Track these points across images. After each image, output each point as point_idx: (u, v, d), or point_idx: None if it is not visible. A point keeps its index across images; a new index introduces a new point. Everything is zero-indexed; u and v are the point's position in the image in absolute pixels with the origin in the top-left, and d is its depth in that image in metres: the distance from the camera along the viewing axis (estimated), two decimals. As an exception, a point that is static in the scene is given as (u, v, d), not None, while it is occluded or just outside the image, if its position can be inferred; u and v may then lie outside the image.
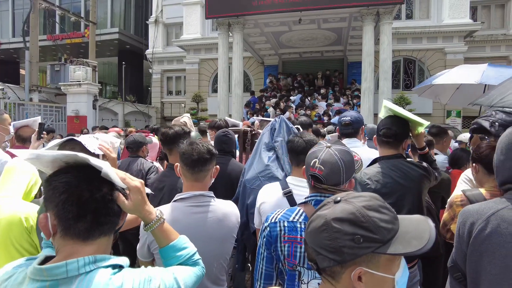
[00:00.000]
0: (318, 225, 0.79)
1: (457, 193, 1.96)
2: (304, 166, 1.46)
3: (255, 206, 2.04)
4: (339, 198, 0.82)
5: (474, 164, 1.99)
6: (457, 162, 3.18)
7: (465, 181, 2.34)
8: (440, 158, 3.55)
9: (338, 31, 13.23)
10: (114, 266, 0.90)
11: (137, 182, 1.04)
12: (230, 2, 11.30)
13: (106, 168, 0.91)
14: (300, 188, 1.86)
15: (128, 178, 1.03)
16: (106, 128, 7.87)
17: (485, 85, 4.37)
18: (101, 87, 16.32)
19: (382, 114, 2.26)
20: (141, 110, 19.36)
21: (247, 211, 2.31)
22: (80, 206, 0.86)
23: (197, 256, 1.18)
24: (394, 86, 14.35)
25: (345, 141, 2.84)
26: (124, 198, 0.98)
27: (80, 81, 13.69)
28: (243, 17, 11.58)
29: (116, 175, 0.96)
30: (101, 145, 1.66)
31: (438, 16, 15.30)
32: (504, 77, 3.83)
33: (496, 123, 2.23)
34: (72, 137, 1.60)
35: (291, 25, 12.44)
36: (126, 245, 3.27)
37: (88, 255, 0.86)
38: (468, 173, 2.36)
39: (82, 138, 1.61)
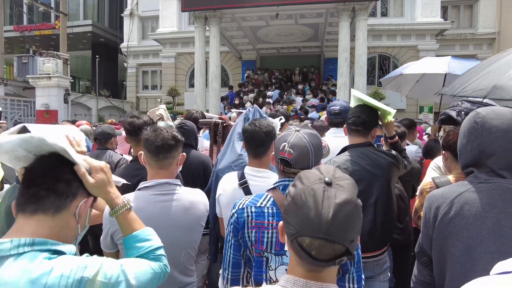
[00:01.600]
0: (350, 209, 0.74)
1: (426, 181, 2.01)
2: (264, 156, 1.43)
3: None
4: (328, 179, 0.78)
5: (443, 152, 2.03)
6: (430, 152, 3.29)
7: (434, 169, 2.40)
8: (413, 148, 3.66)
9: (315, 27, 13.33)
10: (54, 252, 0.86)
11: (101, 162, 1.03)
12: (206, -5, 11.14)
13: (65, 145, 0.91)
14: (257, 178, 1.85)
15: (90, 158, 1.02)
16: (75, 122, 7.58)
17: (444, 77, 4.54)
18: (73, 80, 15.76)
19: (352, 104, 2.27)
20: (115, 105, 18.86)
21: (220, 200, 2.28)
22: (31, 179, 0.88)
23: (160, 252, 1.12)
24: (370, 82, 14.65)
25: (332, 130, 2.83)
26: (85, 171, 0.96)
27: (50, 73, 13.15)
28: (220, 11, 11.46)
29: (76, 153, 0.95)
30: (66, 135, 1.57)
31: (411, 14, 15.73)
32: (466, 68, 4.03)
33: (463, 112, 2.29)
34: (24, 124, 1.50)
35: (268, 20, 12.42)
36: (96, 241, 3.15)
37: (28, 235, 0.83)
38: (437, 161, 2.42)
39: (39, 127, 1.51)
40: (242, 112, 5.68)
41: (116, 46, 22.08)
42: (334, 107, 2.82)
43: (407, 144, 3.69)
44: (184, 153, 1.75)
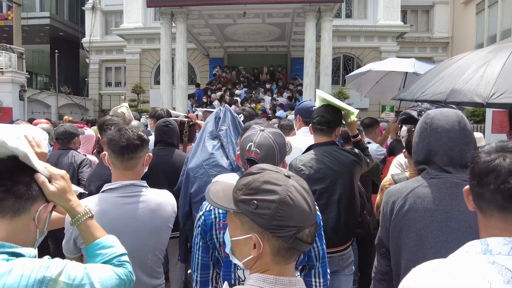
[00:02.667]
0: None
1: (387, 177, 2.12)
2: (239, 152, 1.45)
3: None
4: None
5: (404, 150, 2.17)
6: (393, 151, 3.46)
7: (396, 166, 2.54)
8: (373, 147, 3.73)
9: (282, 26, 13.51)
10: (12, 254, 0.83)
11: (61, 171, 1.02)
12: (173, -9, 10.94)
13: (27, 150, 0.90)
14: None
15: (51, 166, 1.01)
16: (33, 120, 7.19)
17: (404, 78, 4.78)
18: (29, 76, 14.86)
19: (316, 104, 2.34)
20: (77, 102, 18.03)
21: (190, 200, 2.26)
22: None
23: (125, 258, 1.10)
24: (334, 81, 15.05)
25: (304, 128, 2.82)
26: (45, 179, 0.95)
27: (3, 68, 12.32)
28: (186, 7, 11.30)
29: (37, 159, 0.94)
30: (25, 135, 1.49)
31: (374, 16, 16.35)
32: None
33: (423, 112, 2.42)
34: None
35: (236, 18, 12.41)
36: (58, 245, 3.02)
37: None
38: (399, 158, 2.56)
39: None
40: (208, 111, 5.65)
41: (78, 40, 21.06)
42: (311, 107, 2.82)
43: (368, 142, 3.77)
44: (151, 154, 1.72)
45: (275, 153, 1.37)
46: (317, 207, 0.86)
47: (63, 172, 1.03)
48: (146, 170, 1.71)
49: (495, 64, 1.91)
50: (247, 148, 1.37)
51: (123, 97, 17.53)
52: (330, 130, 2.15)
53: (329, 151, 2.09)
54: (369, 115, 16.33)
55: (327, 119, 2.13)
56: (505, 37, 13.59)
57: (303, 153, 2.21)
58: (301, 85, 13.10)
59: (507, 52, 1.99)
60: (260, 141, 1.36)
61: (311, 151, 2.15)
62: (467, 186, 0.89)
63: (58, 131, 3.36)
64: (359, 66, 16.70)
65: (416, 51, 17.49)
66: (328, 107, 2.20)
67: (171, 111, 5.10)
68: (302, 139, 2.69)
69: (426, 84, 2.26)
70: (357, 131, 2.34)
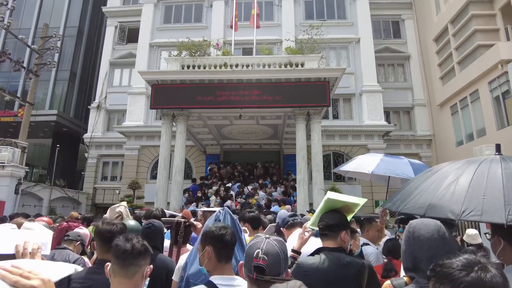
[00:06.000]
0: None
1: (386, 283, 2.19)
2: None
3: None
4: None
5: None
6: (391, 251, 3.34)
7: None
8: (368, 250, 3.52)
9: (275, 127, 14.49)
10: None
11: (36, 281, 0.87)
12: (175, 96, 11.96)
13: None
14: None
15: (23, 279, 0.87)
16: (28, 216, 7.13)
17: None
18: (28, 169, 15.10)
19: (318, 209, 2.43)
20: (70, 196, 17.93)
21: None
22: None
23: None
24: (326, 177, 15.44)
25: (293, 233, 2.92)
26: None
27: (4, 163, 12.60)
28: (187, 110, 12.19)
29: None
30: (24, 248, 1.46)
31: (359, 117, 17.67)
32: (394, 169, 4.53)
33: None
34: None
35: (232, 120, 13.37)
36: None
37: None
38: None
39: None
40: (207, 211, 5.72)
41: (79, 136, 21.96)
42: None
43: (366, 244, 3.61)
44: (152, 265, 1.72)
45: (281, 261, 1.43)
46: None
47: (36, 283, 0.88)
48: (145, 283, 1.70)
49: (463, 182, 2.14)
50: (254, 255, 1.41)
51: (117, 191, 17.56)
52: (333, 234, 2.18)
53: (337, 257, 2.11)
54: (361, 211, 16.28)
55: (326, 223, 2.20)
56: (481, 135, 14.58)
57: (309, 255, 2.23)
58: (294, 180, 13.45)
59: (474, 167, 2.24)
60: (267, 248, 1.42)
61: (318, 256, 2.16)
62: None
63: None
64: (349, 162, 17.40)
65: (402, 148, 18.44)
66: (330, 212, 2.28)
67: (166, 211, 5.16)
68: (310, 241, 2.64)
69: (408, 197, 2.46)
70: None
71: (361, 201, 2.36)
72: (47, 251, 1.65)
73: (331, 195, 2.33)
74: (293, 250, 2.39)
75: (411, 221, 1.71)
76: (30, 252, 1.46)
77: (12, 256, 1.42)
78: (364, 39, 18.32)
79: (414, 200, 2.34)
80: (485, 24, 14.85)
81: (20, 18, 24.81)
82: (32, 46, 16.96)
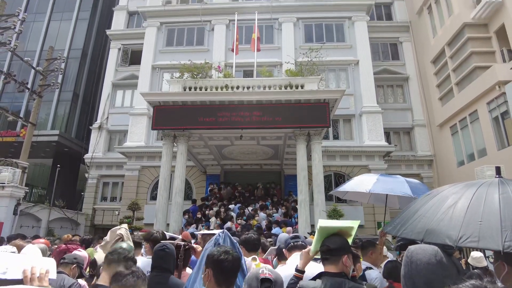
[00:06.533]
0: None
1: None
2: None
3: None
4: None
5: None
6: (392, 273, 3.18)
7: None
8: (373, 275, 3.44)
9: (275, 147, 14.53)
10: None
11: None
12: (177, 117, 12.08)
13: None
14: None
15: None
16: (25, 237, 7.07)
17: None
18: (28, 190, 15.06)
19: (316, 238, 2.43)
20: (69, 216, 17.79)
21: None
22: None
23: None
24: (328, 198, 15.31)
25: (294, 255, 2.92)
26: None
27: (4, 183, 12.58)
28: (188, 131, 12.28)
29: None
30: (32, 273, 1.49)
31: (360, 138, 17.71)
32: (391, 188, 4.54)
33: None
34: None
35: (233, 140, 13.44)
36: None
37: None
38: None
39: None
40: (207, 234, 5.67)
41: (80, 156, 22.01)
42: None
43: (369, 268, 3.54)
44: None
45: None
46: None
47: None
48: None
49: (461, 206, 2.14)
50: (260, 271, 1.54)
51: (117, 212, 17.43)
52: (334, 258, 2.16)
53: (339, 283, 2.07)
54: (364, 233, 16.07)
55: (327, 248, 2.19)
56: (482, 155, 14.57)
57: (311, 279, 2.20)
58: (296, 201, 13.36)
59: (472, 190, 2.24)
60: (270, 268, 1.52)
61: (319, 280, 2.13)
62: None
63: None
64: (350, 183, 17.31)
65: (404, 168, 18.39)
66: (333, 236, 2.26)
67: (166, 233, 5.13)
68: (311, 265, 2.62)
69: (407, 221, 2.44)
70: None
71: (354, 223, 2.33)
72: (54, 275, 1.66)
73: (323, 223, 2.31)
74: (296, 270, 2.38)
75: (409, 246, 1.71)
76: (38, 277, 1.47)
77: (20, 281, 1.43)
78: (363, 61, 18.65)
79: (413, 225, 2.33)
80: (481, 46, 15.15)
81: (26, 41, 25.38)
82: (37, 68, 17.29)
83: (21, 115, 22.46)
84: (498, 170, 2.44)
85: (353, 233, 2.34)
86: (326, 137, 17.21)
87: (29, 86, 17.09)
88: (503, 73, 13.36)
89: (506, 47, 14.47)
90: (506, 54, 14.47)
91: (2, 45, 13.90)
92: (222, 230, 2.83)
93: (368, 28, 19.60)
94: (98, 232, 18.48)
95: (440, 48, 17.53)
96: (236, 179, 17.09)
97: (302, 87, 12.20)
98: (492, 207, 1.88)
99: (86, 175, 19.76)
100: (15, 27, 13.99)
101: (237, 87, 12.23)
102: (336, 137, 18.13)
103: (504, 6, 14.08)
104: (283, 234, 3.15)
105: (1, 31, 14.04)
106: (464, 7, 15.77)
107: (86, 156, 19.86)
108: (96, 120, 21.03)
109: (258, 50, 14.72)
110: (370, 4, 19.73)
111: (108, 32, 22.35)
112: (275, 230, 10.76)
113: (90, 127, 21.06)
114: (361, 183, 5.15)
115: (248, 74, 17.86)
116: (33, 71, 20.60)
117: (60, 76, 21.90)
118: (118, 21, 22.70)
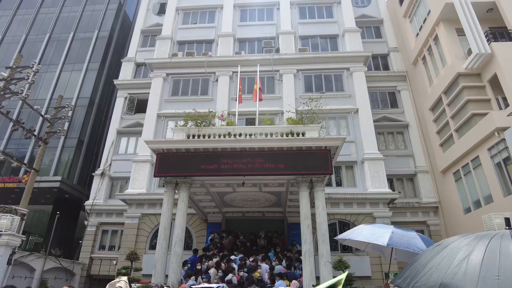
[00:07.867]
0: None
1: None
2: None
3: None
4: None
5: None
6: None
7: None
8: None
9: (278, 194, 14.39)
10: None
11: None
12: (179, 164, 12.13)
13: None
14: None
15: None
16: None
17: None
18: (24, 238, 14.68)
19: None
20: (64, 266, 17.15)
21: None
22: None
23: None
24: (333, 248, 14.86)
25: None
26: None
27: (2, 231, 12.29)
28: (190, 177, 12.28)
29: None
30: None
31: (362, 185, 17.53)
32: (407, 243, 4.42)
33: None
34: None
35: (235, 187, 13.37)
36: None
37: None
38: None
39: None
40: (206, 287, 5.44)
41: (80, 203, 21.79)
42: None
43: None
44: None
45: None
46: None
47: None
48: None
49: (475, 259, 2.08)
50: None
51: (114, 262, 16.83)
52: None
53: None
54: (373, 284, 15.39)
55: None
56: (489, 202, 14.28)
57: None
58: (299, 252, 12.92)
59: (484, 242, 2.20)
60: None
61: None
62: None
63: None
64: (355, 231, 16.85)
65: (409, 215, 18.02)
66: None
67: (165, 286, 4.94)
68: None
69: (417, 273, 2.38)
70: None
71: (341, 276, 2.66)
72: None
73: None
74: None
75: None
76: None
77: None
78: (362, 109, 19.08)
79: (425, 278, 2.27)
80: (477, 94, 15.58)
81: (38, 89, 26.37)
82: (45, 115, 17.74)
83: (26, 161, 22.65)
84: (508, 222, 2.42)
85: (342, 283, 2.65)
86: (329, 184, 17.11)
87: (36, 132, 17.40)
88: (500, 120, 13.60)
89: (501, 95, 14.88)
90: (502, 102, 14.84)
91: (14, 94, 14.43)
92: (222, 284, 2.76)
93: (366, 77, 20.34)
94: (94, 283, 17.73)
95: (437, 96, 18.02)
96: (237, 227, 16.70)
97: (303, 134, 12.39)
98: (508, 261, 1.84)
99: (86, 222, 19.38)
100: (28, 78, 14.61)
101: (240, 135, 12.43)
102: (339, 184, 17.98)
103: (495, 57, 14.72)
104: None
105: (15, 82, 14.65)
106: (456, 59, 16.48)
107: (86, 203, 19.63)
108: (99, 167, 21.10)
109: (260, 100, 15.17)
110: (367, 56, 20.65)
111: (115, 81, 23.24)
112: (279, 283, 10.30)
113: (93, 174, 21.05)
114: (376, 235, 5.11)
115: (250, 122, 18.23)
116: (41, 118, 21.09)
117: (67, 124, 22.42)
118: (126, 72, 23.70)
